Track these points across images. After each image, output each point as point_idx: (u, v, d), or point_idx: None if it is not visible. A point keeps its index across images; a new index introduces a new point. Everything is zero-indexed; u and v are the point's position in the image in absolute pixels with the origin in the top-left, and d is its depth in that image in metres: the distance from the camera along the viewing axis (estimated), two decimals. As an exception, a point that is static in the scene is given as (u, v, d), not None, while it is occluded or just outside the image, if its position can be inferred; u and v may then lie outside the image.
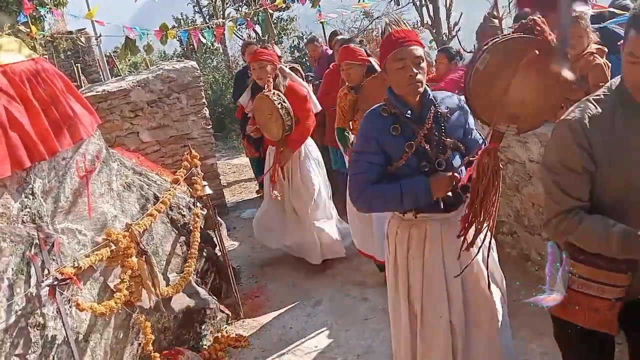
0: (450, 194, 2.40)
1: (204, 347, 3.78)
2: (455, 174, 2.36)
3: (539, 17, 1.97)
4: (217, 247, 4.43)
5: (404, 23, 2.48)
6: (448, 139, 2.44)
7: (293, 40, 14.95)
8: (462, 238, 2.38)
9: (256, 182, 7.60)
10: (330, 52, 6.59)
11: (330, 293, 4.38)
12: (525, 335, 3.23)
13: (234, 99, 7.20)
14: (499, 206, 2.31)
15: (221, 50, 15.79)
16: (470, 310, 2.53)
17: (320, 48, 7.43)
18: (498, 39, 1.99)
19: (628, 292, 1.84)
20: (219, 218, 4.75)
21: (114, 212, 3.27)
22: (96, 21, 6.78)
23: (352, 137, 4.30)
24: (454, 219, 2.45)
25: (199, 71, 6.40)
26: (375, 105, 2.54)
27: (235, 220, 6.57)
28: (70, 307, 2.71)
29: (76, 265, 2.65)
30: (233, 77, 9.24)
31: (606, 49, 3.55)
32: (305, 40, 13.00)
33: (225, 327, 4.06)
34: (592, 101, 1.84)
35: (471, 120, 2.53)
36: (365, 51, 4.14)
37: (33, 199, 2.67)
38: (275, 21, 13.70)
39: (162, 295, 3.30)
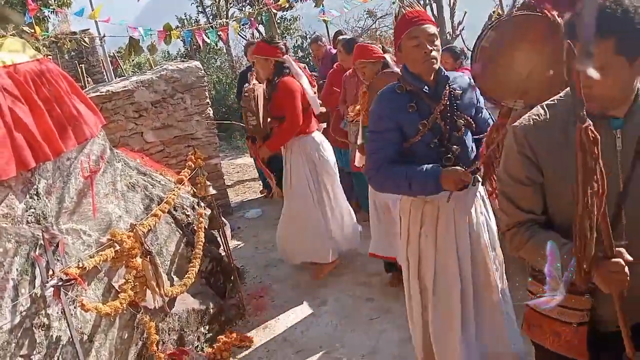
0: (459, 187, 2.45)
1: (209, 347, 3.78)
2: (469, 175, 2.40)
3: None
4: (222, 247, 4.42)
5: (417, 5, 2.53)
6: (461, 118, 2.51)
7: (296, 40, 14.97)
8: (472, 213, 2.59)
9: (260, 182, 7.61)
10: (334, 51, 6.58)
11: (335, 293, 4.37)
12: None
13: (237, 99, 7.20)
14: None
15: (225, 50, 15.82)
16: (476, 279, 2.65)
17: (324, 47, 7.41)
18: (502, 17, 2.01)
19: (599, 321, 1.67)
20: (223, 218, 4.75)
21: (118, 212, 3.27)
22: (102, 21, 6.78)
23: None
24: (464, 196, 2.54)
25: (202, 71, 6.39)
26: (389, 84, 2.59)
27: (239, 220, 6.57)
28: (74, 307, 2.71)
29: (81, 265, 2.64)
30: (237, 77, 9.24)
31: None
32: (308, 40, 13.02)
33: (230, 327, 4.06)
34: (544, 107, 1.66)
35: (481, 99, 2.61)
36: (382, 47, 4.13)
37: (38, 199, 2.67)
38: (278, 21, 13.70)
39: (167, 295, 3.29)
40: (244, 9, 14.88)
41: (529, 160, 1.63)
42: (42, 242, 2.56)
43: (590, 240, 1.37)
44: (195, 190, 4.22)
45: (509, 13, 2.11)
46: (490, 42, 1.98)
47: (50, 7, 7.93)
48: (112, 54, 12.36)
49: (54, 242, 2.63)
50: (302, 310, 4.21)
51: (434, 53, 2.41)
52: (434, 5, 11.06)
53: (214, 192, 4.15)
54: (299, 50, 13.99)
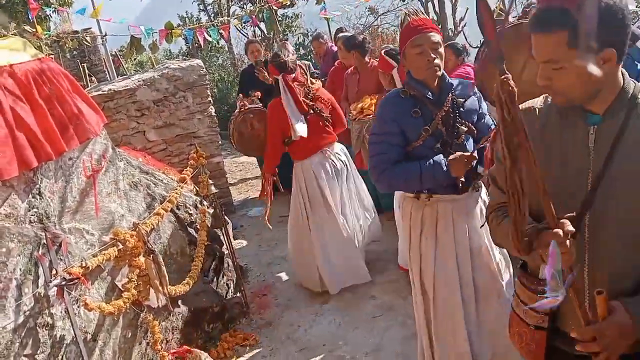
0: (463, 178, 2.52)
1: (213, 345, 3.78)
2: (473, 155, 2.49)
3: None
4: (225, 246, 4.42)
5: (422, 13, 2.61)
6: (462, 124, 2.57)
7: (298, 38, 14.93)
8: (470, 218, 2.63)
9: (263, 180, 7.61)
10: (335, 49, 6.56)
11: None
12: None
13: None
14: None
15: (226, 49, 15.80)
16: (479, 284, 2.68)
17: (325, 45, 7.40)
18: (507, 25, 2.04)
19: (561, 333, 1.58)
20: (225, 217, 4.75)
21: (121, 211, 3.27)
22: (103, 20, 6.77)
23: None
24: (463, 201, 2.60)
25: (204, 69, 6.39)
26: (393, 89, 2.70)
27: (242, 219, 6.57)
28: (78, 306, 2.71)
29: (84, 265, 2.64)
30: (238, 75, 9.23)
31: None
32: (310, 37, 12.99)
33: (233, 326, 4.06)
34: (544, 97, 1.66)
35: (484, 105, 2.66)
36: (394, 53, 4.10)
37: (40, 199, 2.67)
38: (280, 18, 13.67)
39: (170, 294, 3.29)
40: (245, 6, 14.85)
41: None
42: (45, 241, 2.56)
43: (523, 198, 1.37)
44: (197, 188, 4.22)
45: (512, 22, 2.14)
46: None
47: (52, 6, 7.92)
48: (113, 53, 12.35)
49: (57, 242, 2.63)
50: (306, 308, 4.21)
51: (437, 61, 2.49)
52: (436, 2, 11.03)
53: (215, 190, 4.15)
54: (301, 48, 13.96)
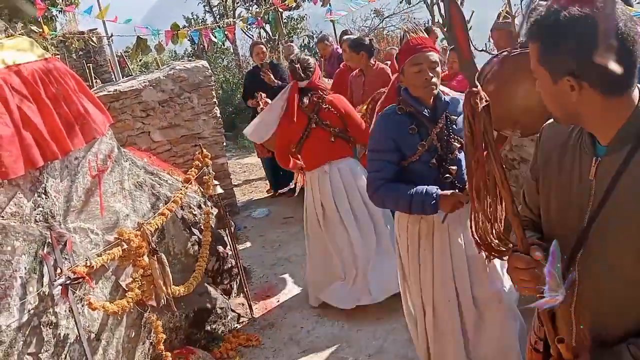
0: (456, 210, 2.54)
1: (216, 346, 3.78)
2: (466, 196, 2.47)
3: None
4: (228, 247, 4.43)
5: (421, 31, 2.69)
6: (456, 140, 2.64)
7: (303, 39, 14.97)
8: (466, 228, 2.53)
9: (267, 181, 7.62)
10: (340, 51, 6.57)
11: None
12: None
13: (244, 99, 7.21)
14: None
15: (232, 50, 15.84)
16: (477, 290, 2.72)
17: (330, 47, 7.41)
18: (507, 52, 2.06)
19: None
20: (229, 218, 4.75)
21: (125, 211, 3.27)
22: (109, 20, 6.80)
23: None
24: (459, 212, 2.61)
25: (209, 71, 6.40)
26: (390, 106, 2.76)
27: (246, 220, 6.57)
28: (82, 306, 2.72)
29: (88, 264, 2.65)
30: (243, 77, 9.25)
31: None
32: (315, 40, 13.01)
33: (237, 327, 4.06)
34: None
35: None
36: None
37: (46, 198, 2.67)
38: (285, 20, 13.71)
39: (174, 294, 3.30)
40: (251, 8, 14.89)
41: (536, 154, 1.57)
42: (50, 240, 2.57)
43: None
44: (202, 189, 4.23)
45: (514, 49, 2.17)
46: (494, 75, 2.04)
47: (59, 6, 7.95)
48: (119, 54, 12.40)
49: (61, 241, 2.64)
50: (309, 310, 4.21)
51: (434, 80, 2.58)
52: (441, 5, 11.02)
53: (221, 191, 4.15)
54: (306, 50, 13.99)
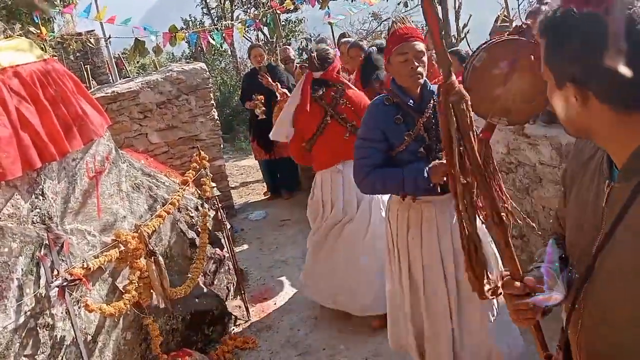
0: (445, 179, 2.57)
1: (212, 348, 3.78)
2: None
3: (532, 22, 2.13)
4: (225, 249, 4.42)
5: (409, 21, 2.70)
6: None
7: (301, 42, 14.98)
8: (453, 218, 2.63)
9: (264, 184, 7.63)
10: (338, 53, 6.57)
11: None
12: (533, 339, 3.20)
13: (241, 102, 7.22)
14: (501, 194, 2.37)
15: (229, 52, 15.84)
16: (462, 286, 2.72)
17: (328, 50, 7.40)
18: (495, 40, 2.09)
19: None
20: (226, 220, 4.75)
21: (123, 213, 3.27)
22: (107, 22, 6.79)
23: None
24: (445, 202, 2.67)
25: (207, 73, 6.40)
26: (379, 96, 2.80)
27: (243, 222, 6.57)
28: (79, 308, 2.72)
29: (85, 266, 2.65)
30: (241, 79, 9.26)
31: None
32: (313, 42, 13.00)
33: (233, 329, 4.06)
34: None
35: None
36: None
37: (43, 199, 2.67)
38: (283, 23, 13.73)
39: (171, 296, 3.29)
40: (249, 10, 14.91)
41: (568, 163, 1.43)
42: (47, 242, 2.57)
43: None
44: (199, 191, 4.23)
45: (501, 37, 2.21)
46: (482, 62, 2.07)
47: (56, 7, 7.95)
48: (117, 55, 12.38)
49: (58, 242, 2.63)
50: (306, 312, 4.20)
51: (420, 69, 2.60)
52: (439, 8, 11.04)
53: (218, 193, 4.15)
54: (304, 53, 13.99)
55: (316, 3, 8.49)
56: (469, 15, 11.00)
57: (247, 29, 11.22)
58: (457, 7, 10.67)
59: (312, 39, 14.18)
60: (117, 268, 3.07)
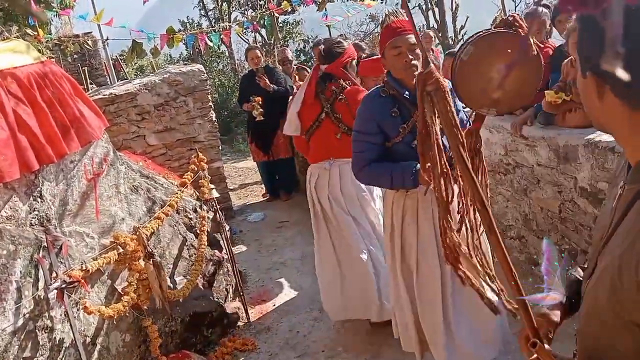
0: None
1: (211, 350, 3.77)
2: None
3: (518, 15, 2.16)
4: (224, 251, 4.42)
5: (402, 14, 2.69)
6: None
7: (299, 44, 15.00)
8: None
9: (262, 185, 7.63)
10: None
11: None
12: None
13: (239, 103, 7.22)
14: (487, 186, 2.43)
15: (227, 54, 15.85)
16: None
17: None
18: (481, 32, 2.12)
19: None
20: (224, 222, 4.74)
21: (121, 215, 3.27)
22: (105, 24, 6.80)
23: None
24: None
25: (205, 74, 6.40)
26: (374, 87, 2.81)
27: (242, 224, 6.57)
28: (78, 310, 2.71)
29: (84, 268, 2.64)
30: (239, 81, 9.27)
31: None
32: (311, 44, 13.03)
33: (232, 331, 4.05)
34: None
35: (458, 102, 2.71)
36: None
37: (41, 201, 2.67)
38: (281, 24, 13.73)
39: (169, 298, 3.29)
40: (246, 12, 14.92)
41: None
42: (45, 244, 2.56)
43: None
44: (197, 193, 4.23)
45: (487, 30, 2.24)
46: (469, 55, 2.10)
47: (54, 10, 7.95)
48: (114, 57, 12.38)
49: (57, 245, 2.63)
50: (305, 314, 4.20)
51: (414, 62, 2.62)
52: (436, 10, 11.07)
53: (217, 195, 4.15)
54: (301, 54, 14.01)
55: (312, 2, 8.50)
56: (466, 17, 11.04)
57: (244, 30, 11.23)
58: (454, 9, 10.69)
59: (310, 40, 14.21)
60: (115, 270, 3.07)
